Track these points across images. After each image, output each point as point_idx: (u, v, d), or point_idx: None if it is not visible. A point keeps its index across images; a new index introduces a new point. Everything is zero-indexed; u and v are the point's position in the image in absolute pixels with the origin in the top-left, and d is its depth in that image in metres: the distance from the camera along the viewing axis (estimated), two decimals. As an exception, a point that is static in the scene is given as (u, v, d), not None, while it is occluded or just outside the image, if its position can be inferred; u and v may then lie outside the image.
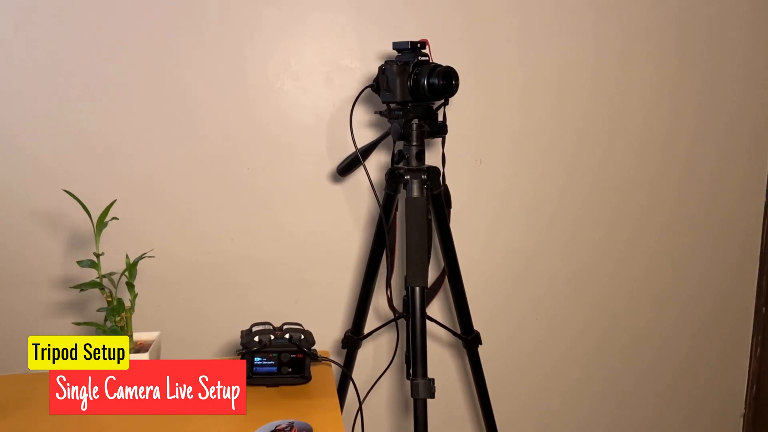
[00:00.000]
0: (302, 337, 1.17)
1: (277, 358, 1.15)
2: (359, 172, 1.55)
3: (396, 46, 1.31)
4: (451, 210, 1.45)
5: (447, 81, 1.26)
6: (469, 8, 1.64)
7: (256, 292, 1.69)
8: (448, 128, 1.36)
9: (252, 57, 1.57)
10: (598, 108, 1.76)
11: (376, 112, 1.40)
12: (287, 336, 1.17)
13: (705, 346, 1.99)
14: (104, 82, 1.53)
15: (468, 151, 1.71)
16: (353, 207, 1.69)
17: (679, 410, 2.02)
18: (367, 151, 1.41)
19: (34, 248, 1.59)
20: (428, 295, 1.46)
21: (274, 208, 1.67)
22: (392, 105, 1.33)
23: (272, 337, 1.16)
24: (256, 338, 1.16)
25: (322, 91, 1.61)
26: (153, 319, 1.61)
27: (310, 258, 1.70)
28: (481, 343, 1.51)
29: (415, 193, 1.32)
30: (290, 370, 1.15)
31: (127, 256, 1.16)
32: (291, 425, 1.02)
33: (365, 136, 1.56)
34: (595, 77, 1.74)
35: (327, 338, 1.72)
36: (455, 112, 1.60)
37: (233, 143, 1.61)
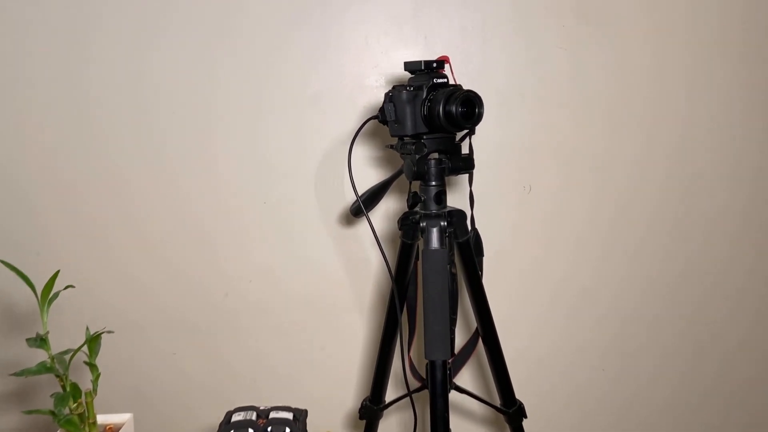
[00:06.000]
0: (287, 430, 0.96)
1: (257, 459, 0.95)
2: (378, 209, 1.33)
3: (407, 66, 1.07)
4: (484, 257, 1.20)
5: (467, 108, 1.00)
6: (512, 13, 1.38)
7: (272, 338, 1.52)
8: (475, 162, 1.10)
9: (269, 83, 1.40)
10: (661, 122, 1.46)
11: (386, 146, 1.16)
12: (269, 429, 0.96)
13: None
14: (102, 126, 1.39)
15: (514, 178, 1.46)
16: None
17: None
18: (378, 192, 1.17)
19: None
20: (456, 364, 1.22)
21: (294, 244, 1.48)
22: (405, 138, 1.09)
23: (251, 430, 0.96)
24: (233, 432, 0.96)
25: (346, 114, 1.40)
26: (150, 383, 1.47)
27: (334, 301, 1.51)
28: (525, 417, 1.24)
29: (434, 244, 1.07)
30: (275, 470, 0.94)
31: (87, 328, 0.99)
32: None
33: (380, 173, 1.34)
34: (659, 87, 1.45)
35: (346, 402, 1.52)
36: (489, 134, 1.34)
37: (249, 176, 1.44)
